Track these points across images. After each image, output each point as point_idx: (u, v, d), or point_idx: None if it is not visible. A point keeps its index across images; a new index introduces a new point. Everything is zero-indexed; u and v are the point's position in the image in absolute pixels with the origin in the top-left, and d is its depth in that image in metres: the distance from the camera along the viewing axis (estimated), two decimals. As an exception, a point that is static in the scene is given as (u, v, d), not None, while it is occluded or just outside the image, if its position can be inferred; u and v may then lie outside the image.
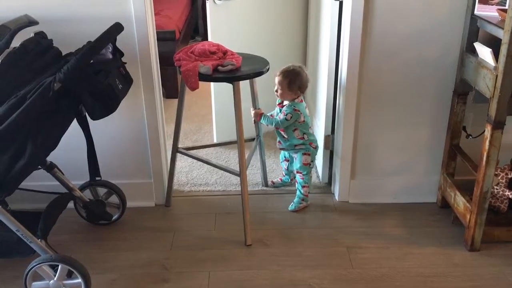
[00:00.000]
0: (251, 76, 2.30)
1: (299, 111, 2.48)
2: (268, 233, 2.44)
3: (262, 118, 2.54)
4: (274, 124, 2.52)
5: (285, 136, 2.57)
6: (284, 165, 2.80)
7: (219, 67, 2.24)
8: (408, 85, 2.45)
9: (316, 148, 2.61)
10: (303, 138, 2.55)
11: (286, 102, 2.52)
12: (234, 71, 2.25)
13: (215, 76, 2.24)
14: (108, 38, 1.86)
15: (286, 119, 2.47)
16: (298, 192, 2.64)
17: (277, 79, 2.46)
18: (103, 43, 1.83)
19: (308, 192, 2.65)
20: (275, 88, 2.49)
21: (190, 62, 2.26)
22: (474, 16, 2.22)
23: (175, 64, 2.33)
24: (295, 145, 2.58)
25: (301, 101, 2.51)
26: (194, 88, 2.22)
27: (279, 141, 2.63)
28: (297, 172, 2.63)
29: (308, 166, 2.60)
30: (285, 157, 2.77)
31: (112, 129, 2.48)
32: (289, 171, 2.80)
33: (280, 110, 2.53)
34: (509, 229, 2.31)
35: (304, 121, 2.51)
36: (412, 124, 2.53)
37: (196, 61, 2.26)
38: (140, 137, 2.53)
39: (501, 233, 2.31)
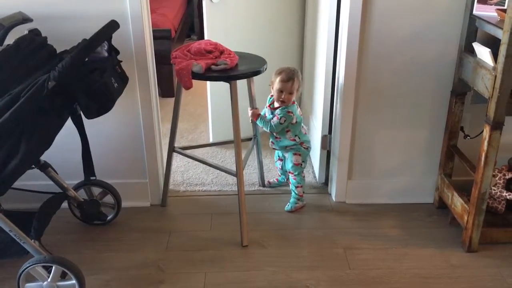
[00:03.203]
0: (248, 75, 2.28)
1: (292, 113, 2.46)
2: (264, 234, 2.42)
3: (259, 120, 2.52)
4: (269, 129, 2.50)
5: (277, 137, 2.55)
6: (278, 164, 2.79)
7: (213, 66, 2.22)
8: (406, 85, 2.43)
9: (307, 149, 2.59)
10: (295, 140, 2.54)
11: (277, 104, 2.49)
12: (228, 70, 2.23)
13: (212, 75, 2.22)
14: (103, 36, 1.83)
15: (280, 123, 2.46)
16: (292, 193, 2.63)
17: (284, 85, 2.39)
18: (98, 41, 1.81)
19: (303, 192, 2.64)
20: (279, 95, 2.42)
21: (184, 61, 2.24)
22: (472, 16, 2.21)
23: (171, 62, 2.31)
24: (286, 146, 2.57)
25: (294, 102, 2.49)
26: (188, 87, 2.20)
27: (271, 142, 2.62)
28: (289, 173, 2.62)
29: (299, 166, 2.58)
30: (278, 156, 2.76)
31: (107, 128, 2.45)
32: (283, 171, 2.79)
33: (272, 113, 2.50)
34: (507, 230, 2.31)
35: (296, 122, 2.50)
36: (409, 125, 2.52)
37: (191, 60, 2.24)
38: (136, 136, 2.51)
39: (498, 234, 2.31)
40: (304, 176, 2.65)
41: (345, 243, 2.36)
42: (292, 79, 2.40)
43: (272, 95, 2.52)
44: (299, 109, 2.54)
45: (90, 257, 2.25)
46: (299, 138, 2.54)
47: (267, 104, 2.56)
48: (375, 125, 2.52)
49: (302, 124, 2.57)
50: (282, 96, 2.42)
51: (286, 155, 2.62)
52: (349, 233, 2.44)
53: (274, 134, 2.55)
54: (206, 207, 2.66)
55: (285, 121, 2.46)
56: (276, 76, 2.44)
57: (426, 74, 2.41)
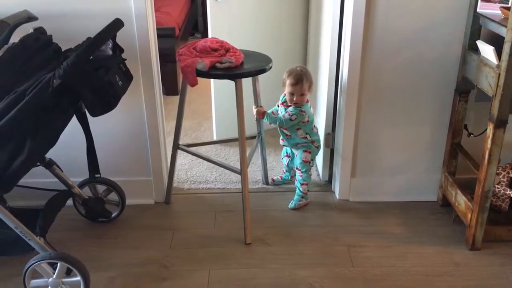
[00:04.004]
0: (253, 73, 2.29)
1: (304, 112, 2.47)
2: (268, 232, 2.43)
3: (265, 117, 2.52)
4: (278, 123, 2.50)
5: (288, 134, 2.56)
6: (285, 161, 2.79)
7: (217, 64, 2.22)
8: (409, 83, 2.43)
9: (318, 147, 2.61)
10: (306, 137, 2.55)
11: (290, 104, 2.50)
12: (233, 68, 2.23)
13: (217, 73, 2.22)
14: (108, 34, 1.84)
15: (290, 119, 2.46)
16: (297, 190, 2.64)
17: (294, 88, 2.40)
18: (103, 39, 1.81)
19: (308, 190, 2.64)
20: (291, 97, 2.42)
21: (189, 58, 2.24)
22: (476, 14, 2.20)
23: (177, 59, 2.31)
24: (297, 144, 2.58)
25: (307, 101, 2.50)
26: (192, 84, 2.21)
27: (282, 139, 2.62)
28: (297, 169, 2.63)
29: (307, 164, 2.59)
30: (286, 153, 2.77)
31: (111, 126, 2.46)
32: (289, 168, 2.80)
33: (285, 110, 2.51)
34: (510, 228, 2.30)
35: (308, 121, 2.50)
36: (413, 122, 2.52)
37: (196, 57, 2.25)
38: (140, 134, 2.52)
39: (502, 232, 2.30)
40: (310, 175, 2.66)
41: (349, 241, 2.36)
42: (301, 81, 2.40)
43: (285, 94, 2.52)
44: (311, 108, 2.55)
45: (94, 254, 2.26)
46: (310, 136, 2.55)
47: (280, 102, 2.56)
48: (378, 123, 2.53)
49: (314, 124, 2.58)
50: (294, 99, 2.43)
51: (296, 152, 2.63)
52: (353, 230, 2.45)
53: (285, 132, 2.55)
54: (209, 204, 2.66)
55: (295, 118, 2.46)
56: (286, 78, 2.45)
57: (429, 72, 2.41)
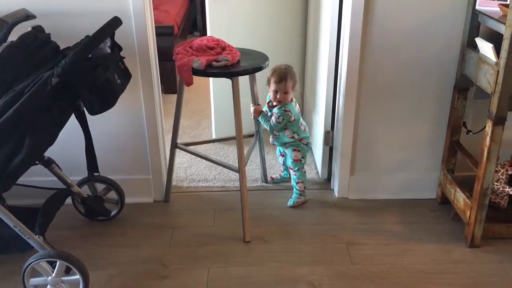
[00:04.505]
0: (250, 71, 2.29)
1: (289, 111, 2.47)
2: (267, 230, 2.43)
3: (260, 117, 2.52)
4: (268, 128, 2.51)
5: (276, 134, 2.56)
6: (281, 160, 2.80)
7: (214, 63, 2.22)
8: (408, 80, 2.43)
9: (307, 144, 2.60)
10: (293, 137, 2.54)
11: (275, 103, 2.50)
12: (229, 66, 2.23)
13: (213, 71, 2.22)
14: (106, 33, 1.84)
15: (278, 122, 2.47)
16: (294, 188, 2.64)
17: (277, 85, 2.40)
18: (101, 37, 1.81)
19: (305, 187, 2.64)
20: (274, 95, 2.43)
21: (185, 57, 2.24)
22: (475, 11, 2.20)
23: (173, 58, 2.31)
24: (286, 143, 2.58)
25: (292, 100, 2.50)
26: (188, 83, 2.20)
27: (271, 137, 2.63)
28: (290, 169, 2.64)
29: (299, 162, 2.59)
30: (280, 152, 2.78)
31: (110, 124, 2.46)
32: (285, 166, 2.80)
33: (271, 111, 2.51)
34: (509, 226, 2.30)
35: (294, 120, 2.50)
36: (412, 120, 2.52)
37: (192, 56, 2.24)
38: (139, 133, 2.52)
39: (501, 229, 2.31)
40: (304, 172, 2.65)
41: (348, 239, 2.37)
42: (285, 79, 2.40)
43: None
44: (297, 106, 2.54)
45: (94, 253, 2.26)
46: (298, 135, 2.55)
47: (266, 102, 2.57)
48: (377, 120, 2.53)
49: (301, 121, 2.57)
50: (278, 97, 2.43)
51: (287, 151, 2.63)
52: (352, 228, 2.45)
53: (274, 131, 2.55)
54: (209, 203, 2.67)
55: (283, 119, 2.46)
56: (270, 76, 2.45)
57: (428, 69, 2.41)
